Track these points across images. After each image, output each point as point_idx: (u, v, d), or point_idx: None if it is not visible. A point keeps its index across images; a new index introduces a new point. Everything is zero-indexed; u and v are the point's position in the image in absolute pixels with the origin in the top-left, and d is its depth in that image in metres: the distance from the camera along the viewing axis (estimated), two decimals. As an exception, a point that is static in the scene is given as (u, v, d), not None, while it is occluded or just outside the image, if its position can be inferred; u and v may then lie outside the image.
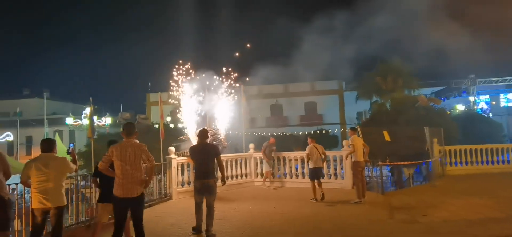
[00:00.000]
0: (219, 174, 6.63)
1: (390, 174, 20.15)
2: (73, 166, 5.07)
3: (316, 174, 9.56)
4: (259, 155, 12.51)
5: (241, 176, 12.08)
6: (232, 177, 11.75)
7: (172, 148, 10.18)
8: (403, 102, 18.12)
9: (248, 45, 11.38)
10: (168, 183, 10.05)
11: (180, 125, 11.31)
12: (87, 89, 72.00)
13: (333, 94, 40.85)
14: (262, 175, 12.22)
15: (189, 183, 10.61)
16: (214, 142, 10.45)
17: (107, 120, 30.99)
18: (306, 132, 11.55)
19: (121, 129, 5.23)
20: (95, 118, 28.85)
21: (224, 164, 7.77)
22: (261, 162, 12.07)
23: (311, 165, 9.59)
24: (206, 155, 6.27)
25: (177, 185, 10.26)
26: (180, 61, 10.90)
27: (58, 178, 4.83)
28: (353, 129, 9.81)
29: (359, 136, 9.72)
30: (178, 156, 10.54)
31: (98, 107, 35.95)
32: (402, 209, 8.34)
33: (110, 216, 5.58)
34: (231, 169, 11.73)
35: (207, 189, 6.11)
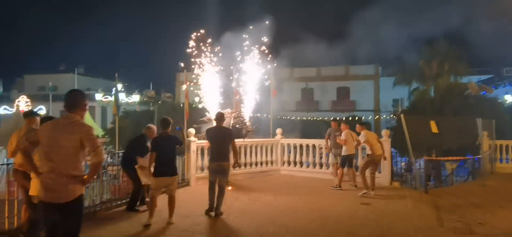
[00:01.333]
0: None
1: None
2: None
3: (349, 161, 9.22)
4: (287, 141, 11.49)
5: (266, 163, 11.13)
6: (256, 164, 10.82)
7: (191, 130, 9.35)
8: (450, 89, 16.35)
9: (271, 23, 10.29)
10: (187, 168, 9.26)
11: (200, 105, 10.36)
12: (121, 66, 73.20)
13: (368, 79, 38.74)
14: (292, 163, 11.22)
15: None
16: (236, 126, 9.52)
17: (136, 97, 30.77)
18: (338, 118, 10.19)
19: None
20: (123, 95, 28.80)
21: (238, 148, 7.72)
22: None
23: (344, 152, 9.08)
24: (221, 138, 6.57)
25: (196, 170, 9.47)
26: (201, 31, 9.86)
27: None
28: (362, 124, 9.01)
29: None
30: (198, 139, 9.72)
31: (128, 84, 36.05)
32: (451, 213, 7.12)
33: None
34: (256, 155, 10.79)
35: (221, 171, 6.52)
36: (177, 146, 6.36)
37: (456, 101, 14.57)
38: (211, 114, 9.94)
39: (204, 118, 10.16)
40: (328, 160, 10.60)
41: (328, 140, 10.04)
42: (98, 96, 27.82)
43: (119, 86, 29.92)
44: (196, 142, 9.41)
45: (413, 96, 22.07)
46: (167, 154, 6.03)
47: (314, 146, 11.08)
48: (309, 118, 38.54)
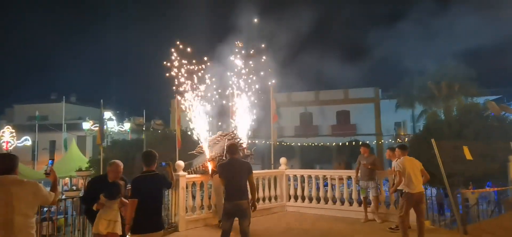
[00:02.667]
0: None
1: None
2: (49, 195, 3.67)
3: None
4: (293, 172, 9.94)
5: (270, 199, 9.53)
6: (258, 200, 9.22)
7: (180, 162, 7.78)
8: (468, 110, 14.99)
9: (263, 45, 8.86)
10: (174, 209, 7.64)
11: (189, 132, 8.80)
12: (115, 94, 71.79)
13: (369, 102, 37.64)
14: (299, 198, 9.63)
15: (202, 208, 8.18)
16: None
17: (127, 125, 29.16)
18: (367, 142, 8.47)
19: None
20: (114, 123, 27.22)
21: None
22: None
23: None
24: (238, 171, 5.46)
25: (187, 211, 7.86)
26: (181, 47, 8.30)
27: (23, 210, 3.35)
28: (403, 148, 6.67)
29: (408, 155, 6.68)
30: (189, 173, 8.16)
31: (120, 112, 34.51)
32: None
33: None
34: (257, 190, 9.21)
35: (241, 212, 5.31)
36: (165, 189, 4.87)
37: (476, 123, 13.23)
38: (203, 143, 8.39)
39: (197, 149, 8.56)
40: (352, 194, 8.98)
41: (359, 170, 8.47)
42: (86, 125, 26.14)
43: (108, 114, 28.51)
44: (186, 177, 7.84)
45: (424, 119, 20.69)
46: (151, 201, 4.59)
47: (325, 177, 9.52)
48: (308, 144, 37.17)
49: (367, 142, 14.35)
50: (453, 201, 7.51)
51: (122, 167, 5.08)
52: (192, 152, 8.72)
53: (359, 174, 8.57)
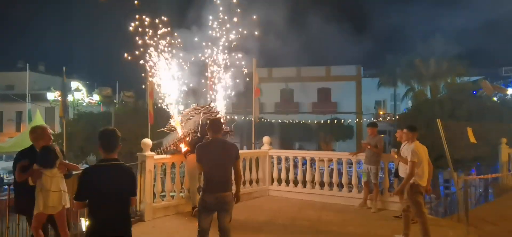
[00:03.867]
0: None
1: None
2: None
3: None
4: (276, 153, 8.93)
5: (251, 182, 8.52)
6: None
7: (147, 141, 6.58)
8: (462, 89, 14.31)
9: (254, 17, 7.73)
10: (139, 195, 6.49)
11: (160, 104, 7.54)
12: (85, 63, 68.09)
13: (350, 80, 37.01)
14: (283, 182, 8.67)
15: (173, 195, 7.08)
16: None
17: (96, 97, 27.31)
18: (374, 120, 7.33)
19: None
20: (81, 94, 25.38)
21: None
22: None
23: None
24: (222, 156, 4.37)
25: (155, 197, 6.75)
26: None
27: None
28: (412, 129, 5.70)
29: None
30: (158, 153, 7.00)
31: (90, 83, 32.36)
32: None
33: None
34: (237, 172, 8.17)
35: (223, 206, 4.32)
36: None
37: (469, 103, 12.57)
38: (175, 118, 7.19)
39: (168, 126, 7.32)
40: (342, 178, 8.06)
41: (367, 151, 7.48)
42: (51, 96, 24.24)
43: (76, 84, 26.60)
44: (154, 158, 6.68)
45: (410, 98, 20.09)
46: (114, 206, 3.18)
47: (313, 159, 8.56)
48: (289, 121, 36.44)
49: (374, 120, 13.49)
50: (459, 189, 6.71)
51: (49, 130, 4.27)
52: (163, 129, 7.51)
53: (357, 155, 7.72)
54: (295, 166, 9.00)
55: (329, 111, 36.42)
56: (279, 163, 9.18)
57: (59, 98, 25.83)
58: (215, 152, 4.36)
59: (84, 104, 26.24)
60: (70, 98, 24.28)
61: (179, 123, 7.00)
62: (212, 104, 7.20)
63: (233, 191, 4.47)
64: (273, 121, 35.88)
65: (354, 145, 30.20)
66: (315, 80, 38.01)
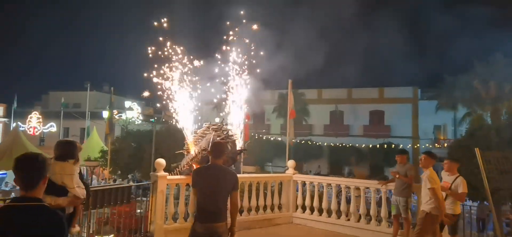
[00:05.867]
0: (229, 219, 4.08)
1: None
2: None
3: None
4: (301, 178, 8.44)
5: (273, 208, 8.11)
6: (257, 209, 7.83)
7: (160, 161, 6.53)
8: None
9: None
10: (150, 215, 6.41)
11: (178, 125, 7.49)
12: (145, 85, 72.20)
13: (406, 103, 34.99)
14: (308, 209, 8.14)
15: (186, 217, 6.92)
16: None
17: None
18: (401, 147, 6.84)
19: None
20: (132, 112, 26.72)
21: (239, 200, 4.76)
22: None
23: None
24: (217, 183, 4.01)
25: (167, 218, 6.64)
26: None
27: None
28: (432, 156, 5.54)
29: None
30: (175, 174, 6.91)
31: (145, 102, 34.10)
32: None
33: None
34: (257, 197, 7.82)
35: None
36: None
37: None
38: (188, 138, 7.09)
39: (185, 148, 7.22)
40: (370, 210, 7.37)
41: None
42: (105, 113, 25.87)
43: (128, 103, 28.17)
44: (166, 178, 6.60)
45: (467, 123, 18.36)
46: None
47: (339, 187, 7.95)
48: (338, 144, 35.18)
49: (402, 146, 12.57)
50: (496, 220, 5.79)
51: None
52: (180, 151, 7.44)
53: (386, 185, 7.05)
54: (324, 193, 8.43)
55: (382, 135, 34.68)
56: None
57: (117, 117, 27.54)
58: (211, 178, 4.01)
59: (138, 122, 27.52)
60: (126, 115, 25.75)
61: (194, 143, 6.89)
62: (223, 122, 7.00)
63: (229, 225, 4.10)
64: (319, 143, 34.94)
65: (408, 171, 28.25)
66: (367, 102, 36.61)
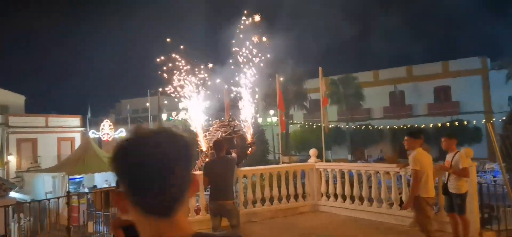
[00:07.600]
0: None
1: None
2: None
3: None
4: (324, 166, 8.39)
5: (297, 197, 8.21)
6: (280, 199, 8.00)
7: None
8: None
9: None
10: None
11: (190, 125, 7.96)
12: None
13: (474, 75, 32.02)
14: (332, 196, 8.10)
15: (207, 210, 7.36)
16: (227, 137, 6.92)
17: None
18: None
19: None
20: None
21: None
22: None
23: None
24: (221, 170, 5.22)
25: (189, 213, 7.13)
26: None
27: None
28: (415, 136, 5.19)
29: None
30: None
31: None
32: None
33: None
34: (279, 186, 7.99)
35: (226, 212, 5.21)
36: None
37: None
38: (200, 137, 7.52)
39: (199, 148, 7.69)
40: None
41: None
42: (165, 117, 27.67)
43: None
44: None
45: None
46: None
47: (367, 173, 7.79)
48: (401, 126, 33.38)
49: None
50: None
51: None
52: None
53: (406, 168, 6.73)
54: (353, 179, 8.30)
55: (450, 112, 32.23)
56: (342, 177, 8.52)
57: (175, 119, 29.32)
58: (218, 166, 5.22)
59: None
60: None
61: (204, 140, 7.29)
62: (231, 119, 7.29)
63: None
64: (380, 127, 33.51)
65: (483, 150, 25.79)
66: (430, 78, 34.06)
